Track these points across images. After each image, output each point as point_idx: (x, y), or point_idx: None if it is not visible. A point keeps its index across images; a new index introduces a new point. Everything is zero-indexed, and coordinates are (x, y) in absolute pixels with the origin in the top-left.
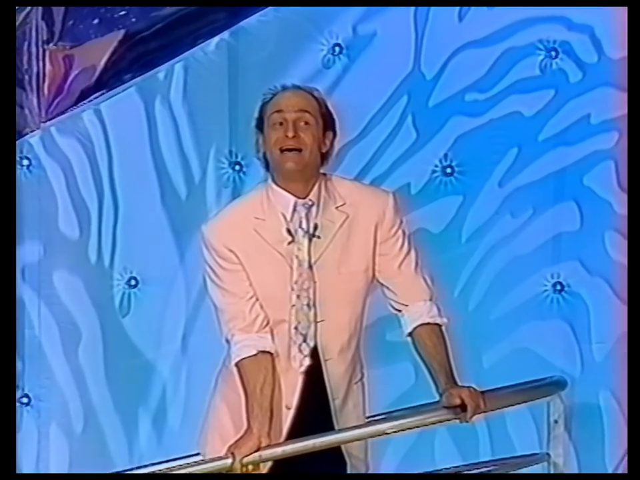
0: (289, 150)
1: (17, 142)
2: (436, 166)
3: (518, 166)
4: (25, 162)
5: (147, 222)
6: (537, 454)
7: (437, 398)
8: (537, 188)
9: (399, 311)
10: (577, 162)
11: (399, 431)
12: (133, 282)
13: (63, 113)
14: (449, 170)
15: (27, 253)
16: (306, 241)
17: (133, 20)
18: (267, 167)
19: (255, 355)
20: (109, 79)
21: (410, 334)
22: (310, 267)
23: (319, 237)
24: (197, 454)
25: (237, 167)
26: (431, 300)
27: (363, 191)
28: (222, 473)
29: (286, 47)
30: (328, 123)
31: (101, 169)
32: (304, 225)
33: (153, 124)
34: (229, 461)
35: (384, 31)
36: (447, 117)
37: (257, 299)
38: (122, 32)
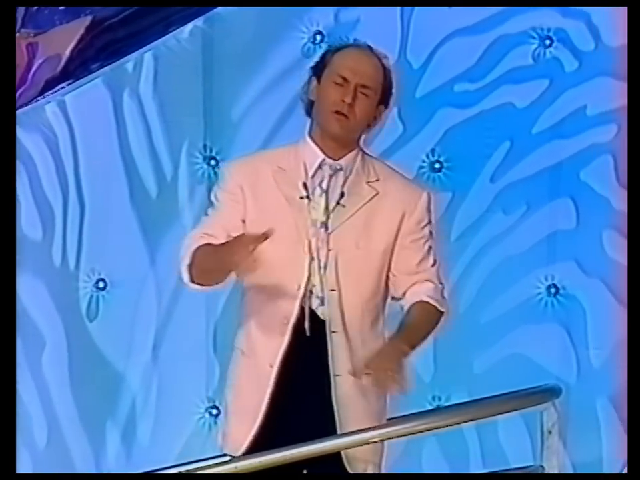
0: (340, 114)
1: None
2: (423, 161)
3: (510, 160)
4: None
5: (116, 221)
6: (530, 466)
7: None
8: (531, 184)
9: (405, 291)
10: (573, 156)
11: (384, 439)
12: (101, 284)
13: (25, 104)
14: (437, 165)
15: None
16: (322, 201)
17: (101, 6)
18: (309, 113)
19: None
20: (75, 69)
21: (405, 308)
22: (325, 229)
23: (343, 206)
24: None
25: (212, 162)
26: (439, 287)
27: (401, 178)
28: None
29: (264, 35)
30: (386, 96)
31: (65, 165)
32: (324, 185)
33: (121, 117)
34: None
35: (367, 18)
36: (435, 109)
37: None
38: (89, 18)
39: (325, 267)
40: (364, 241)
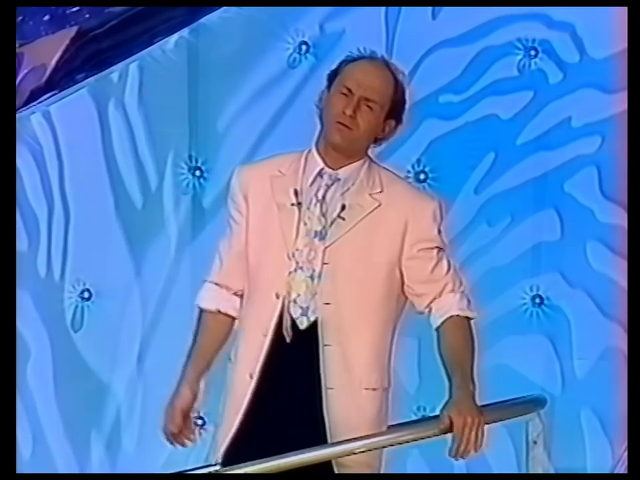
0: (342, 124)
1: None
2: (408, 172)
3: (495, 172)
4: None
5: (101, 232)
6: None
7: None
8: (515, 195)
9: (429, 304)
10: (558, 167)
11: (367, 450)
12: (86, 294)
13: None
14: (422, 176)
15: None
16: (317, 210)
17: (86, 16)
18: (321, 121)
19: (215, 312)
20: (60, 79)
21: (438, 328)
22: (320, 239)
23: (343, 219)
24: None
25: (197, 173)
26: (461, 292)
27: (408, 188)
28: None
29: (249, 45)
30: (395, 111)
31: (50, 176)
32: (320, 194)
33: (106, 127)
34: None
35: (353, 29)
36: (420, 120)
37: (246, 260)
38: (74, 29)
39: (318, 279)
40: (365, 253)
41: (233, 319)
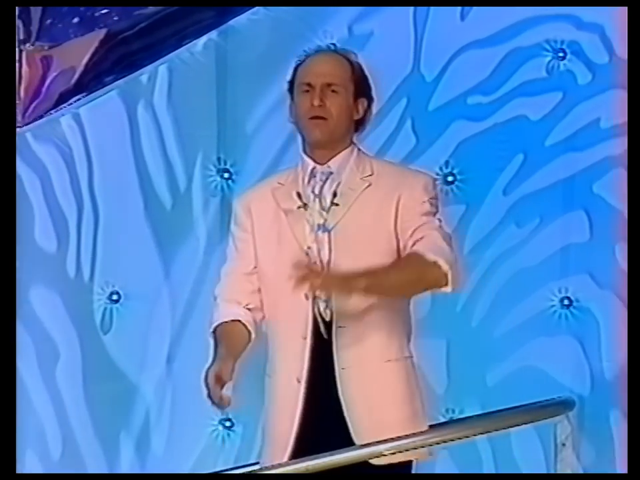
0: (315, 118)
1: None
2: (437, 173)
3: (524, 173)
4: None
5: (130, 233)
6: None
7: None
8: (544, 196)
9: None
10: (587, 169)
11: (396, 452)
12: (115, 297)
13: (40, 117)
14: (450, 178)
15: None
16: (317, 205)
17: (115, 19)
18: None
19: (235, 320)
20: (89, 82)
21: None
22: (324, 231)
23: (337, 204)
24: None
25: (226, 175)
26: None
27: (399, 167)
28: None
29: (277, 48)
30: (361, 89)
31: (80, 178)
32: (316, 190)
33: (135, 129)
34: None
35: (381, 30)
36: (449, 122)
37: (257, 278)
38: (103, 31)
39: (328, 267)
40: (363, 232)
41: (249, 333)
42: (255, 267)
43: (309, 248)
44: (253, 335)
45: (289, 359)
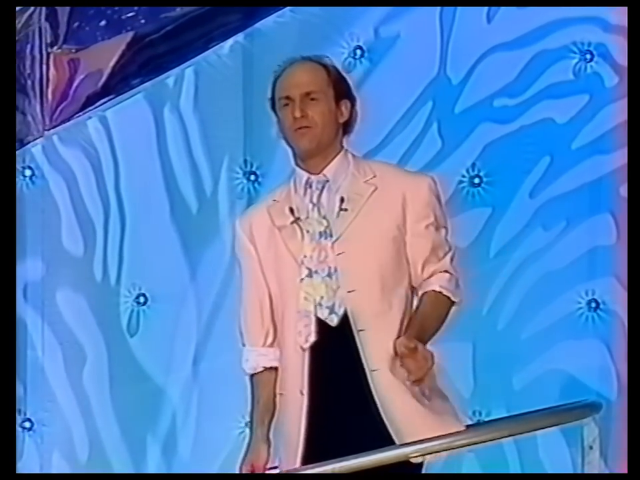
0: (300, 128)
1: (18, 151)
2: (463, 176)
3: (550, 176)
4: (27, 172)
5: (156, 236)
6: None
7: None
8: (571, 199)
9: (421, 281)
10: (613, 172)
11: (424, 455)
12: (141, 299)
13: (67, 120)
14: (476, 180)
15: (29, 270)
16: (315, 214)
17: (142, 22)
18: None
19: (261, 371)
20: (116, 85)
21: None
22: (326, 237)
23: (345, 210)
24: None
25: (252, 177)
26: (451, 274)
27: (398, 169)
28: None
29: (304, 50)
30: (341, 91)
31: (106, 181)
32: (314, 199)
33: (162, 132)
34: None
35: (408, 33)
36: (475, 124)
37: (271, 306)
38: (130, 34)
39: (336, 273)
40: (372, 236)
41: (277, 370)
42: (265, 300)
43: (305, 257)
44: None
45: (291, 372)
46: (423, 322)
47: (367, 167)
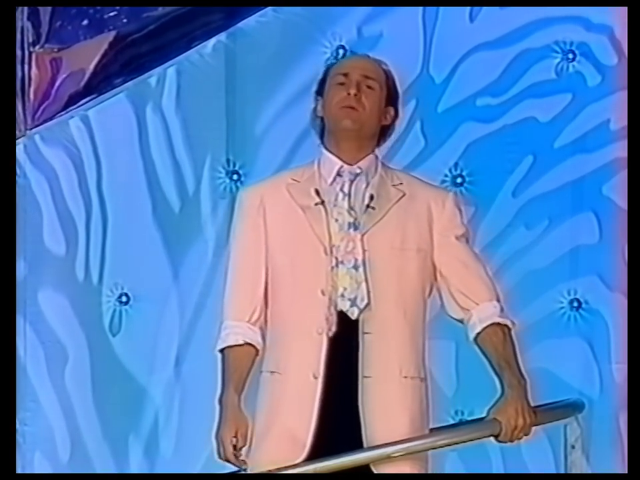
0: (348, 107)
1: None
2: (446, 175)
3: (533, 175)
4: None
5: (138, 236)
6: None
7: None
8: (553, 198)
9: (467, 310)
10: (596, 170)
11: (405, 454)
12: (124, 298)
13: (49, 119)
14: (459, 179)
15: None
16: (346, 204)
17: (124, 21)
18: (322, 134)
19: (241, 345)
20: (98, 84)
21: (478, 334)
22: (355, 229)
23: (373, 208)
24: None
25: (235, 177)
26: (498, 301)
27: (423, 182)
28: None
29: (286, 50)
30: (392, 97)
31: (88, 180)
32: (345, 189)
33: (144, 131)
34: None
35: (390, 32)
36: (458, 123)
37: (265, 287)
38: (112, 34)
39: (363, 266)
40: (397, 241)
41: (257, 351)
42: (259, 282)
43: (334, 246)
44: (260, 352)
45: (302, 355)
46: (512, 362)
47: (394, 174)
